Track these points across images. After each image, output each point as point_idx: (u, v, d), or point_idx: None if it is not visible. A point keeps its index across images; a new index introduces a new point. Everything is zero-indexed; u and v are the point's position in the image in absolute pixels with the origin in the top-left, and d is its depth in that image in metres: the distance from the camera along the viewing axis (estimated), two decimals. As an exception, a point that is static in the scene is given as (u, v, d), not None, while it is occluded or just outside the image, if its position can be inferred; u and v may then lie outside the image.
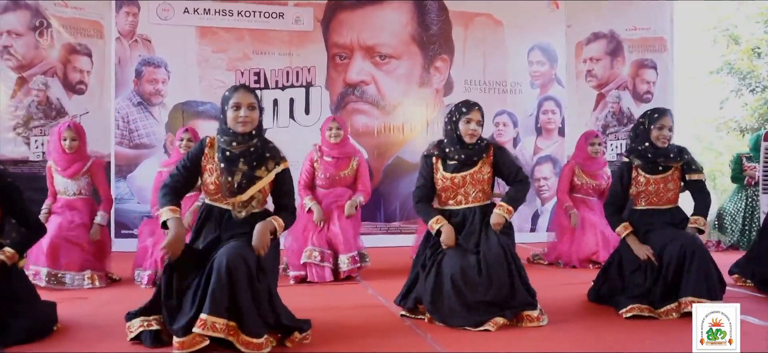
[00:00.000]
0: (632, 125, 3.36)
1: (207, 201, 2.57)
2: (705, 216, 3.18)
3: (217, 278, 2.24)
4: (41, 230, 2.89)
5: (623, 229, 3.22)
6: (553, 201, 6.47)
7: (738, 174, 6.11)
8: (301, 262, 4.05)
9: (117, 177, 5.98)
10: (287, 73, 6.31)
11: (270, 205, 2.65)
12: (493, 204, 2.97)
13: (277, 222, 2.50)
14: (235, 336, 2.26)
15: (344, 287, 3.92)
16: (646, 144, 3.17)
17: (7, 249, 2.65)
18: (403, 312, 2.97)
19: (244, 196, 2.46)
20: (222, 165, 2.46)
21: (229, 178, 2.44)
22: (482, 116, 2.96)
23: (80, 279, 3.81)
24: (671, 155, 3.16)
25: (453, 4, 6.71)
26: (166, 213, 2.39)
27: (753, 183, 5.87)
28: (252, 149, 2.48)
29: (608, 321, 2.95)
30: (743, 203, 6.00)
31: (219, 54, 6.19)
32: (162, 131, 6.05)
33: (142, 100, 6.05)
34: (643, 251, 3.11)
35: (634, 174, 3.24)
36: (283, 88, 6.27)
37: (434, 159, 3.02)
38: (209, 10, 6.15)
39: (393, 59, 6.57)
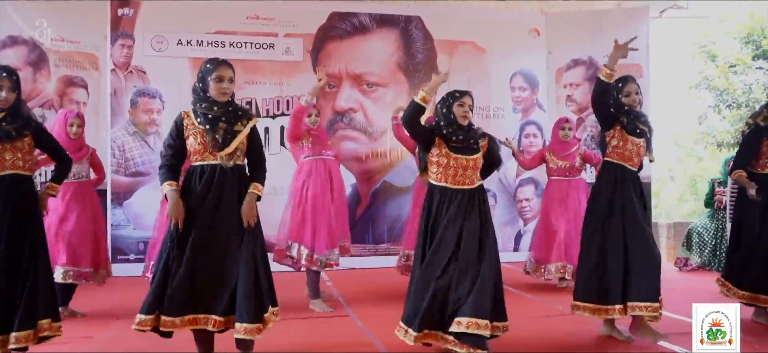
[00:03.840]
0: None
1: (194, 163, 2.91)
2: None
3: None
4: (70, 162, 3.37)
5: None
6: (535, 221, 6.72)
7: (709, 199, 6.39)
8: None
9: (113, 204, 6.17)
10: (278, 101, 6.54)
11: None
12: (481, 187, 3.23)
13: (258, 189, 2.94)
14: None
15: (333, 321, 4.11)
16: (622, 108, 3.43)
17: (51, 183, 3.20)
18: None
19: (230, 149, 2.86)
20: (206, 126, 2.85)
21: (215, 135, 2.84)
22: (473, 101, 3.24)
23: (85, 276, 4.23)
24: (643, 119, 3.46)
25: (438, 33, 6.95)
26: (164, 188, 2.86)
27: (721, 207, 6.15)
28: (230, 109, 2.92)
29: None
30: (714, 224, 6.28)
31: (212, 84, 6.40)
32: (157, 159, 6.19)
33: (138, 129, 6.25)
34: None
35: (617, 128, 3.45)
36: (274, 116, 6.49)
37: (437, 136, 3.19)
38: (202, 41, 6.36)
39: (380, 87, 6.81)
